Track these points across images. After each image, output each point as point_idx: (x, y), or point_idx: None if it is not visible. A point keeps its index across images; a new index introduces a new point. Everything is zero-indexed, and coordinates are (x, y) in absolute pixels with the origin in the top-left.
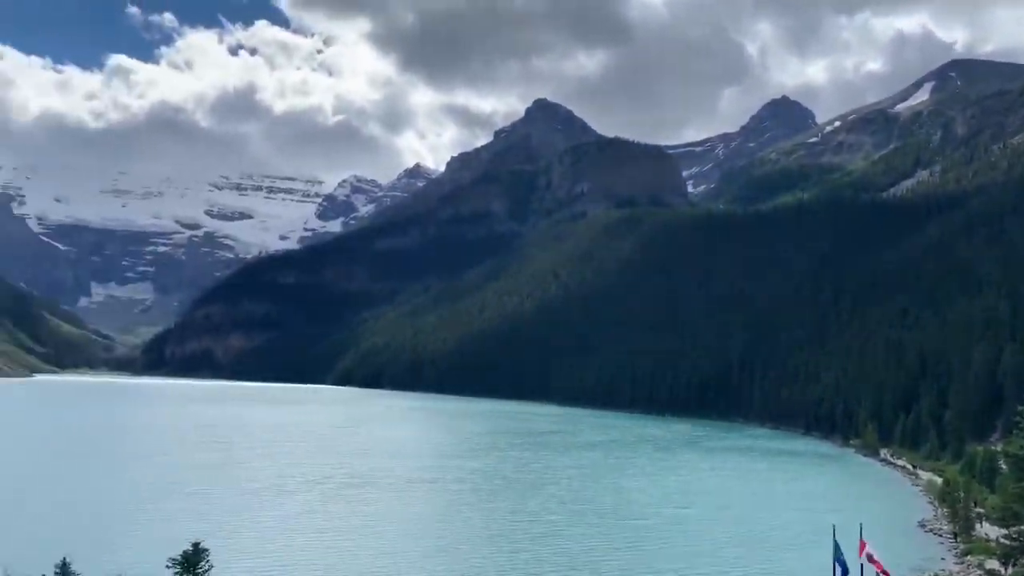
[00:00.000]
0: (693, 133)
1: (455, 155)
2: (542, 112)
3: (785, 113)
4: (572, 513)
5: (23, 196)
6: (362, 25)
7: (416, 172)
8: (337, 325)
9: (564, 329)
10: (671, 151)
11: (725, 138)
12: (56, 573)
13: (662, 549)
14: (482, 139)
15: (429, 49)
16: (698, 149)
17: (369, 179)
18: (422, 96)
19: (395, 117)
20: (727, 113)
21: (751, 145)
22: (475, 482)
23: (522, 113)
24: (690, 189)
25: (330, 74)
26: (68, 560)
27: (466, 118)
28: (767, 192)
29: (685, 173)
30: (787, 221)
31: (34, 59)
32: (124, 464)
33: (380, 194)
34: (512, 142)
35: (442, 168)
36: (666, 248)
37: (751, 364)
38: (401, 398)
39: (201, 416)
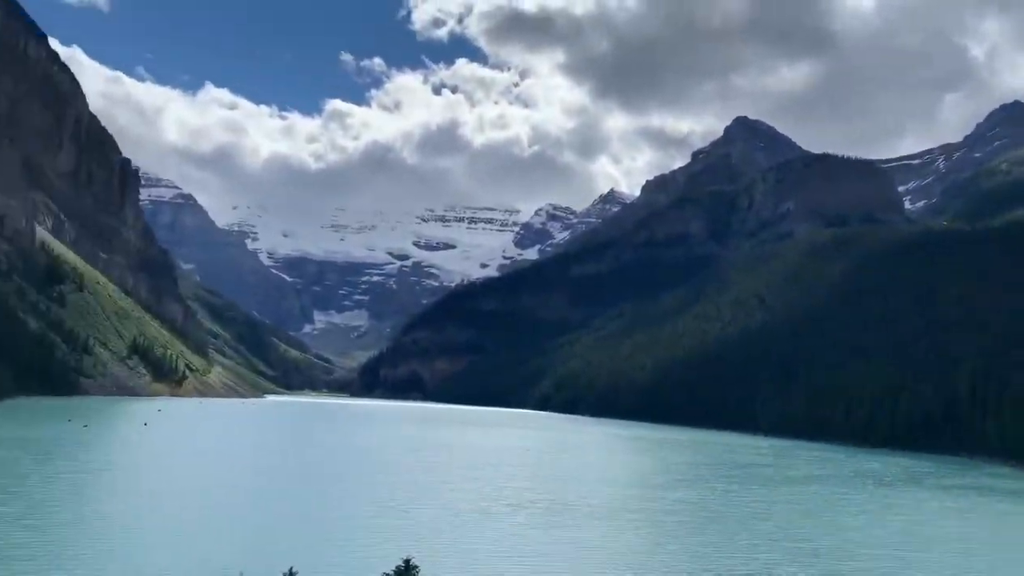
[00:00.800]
0: (909, 145)
1: (650, 178)
2: (742, 130)
3: (1018, 118)
4: (785, 552)
5: (256, 232)
6: (557, 56)
7: (611, 197)
8: (535, 350)
9: (769, 356)
10: (885, 165)
11: (946, 149)
12: None
13: None
14: (679, 161)
15: (623, 74)
16: (915, 162)
17: (564, 206)
18: (616, 121)
19: (589, 144)
20: (948, 122)
21: (977, 155)
22: (680, 514)
23: (720, 132)
24: (907, 205)
25: (526, 106)
26: (295, 570)
27: (661, 140)
28: (996, 206)
29: (901, 188)
30: (1021, 238)
31: (263, 107)
32: (344, 481)
33: (575, 221)
34: (710, 162)
35: (637, 192)
36: (881, 269)
37: (983, 395)
38: (599, 424)
39: (412, 437)
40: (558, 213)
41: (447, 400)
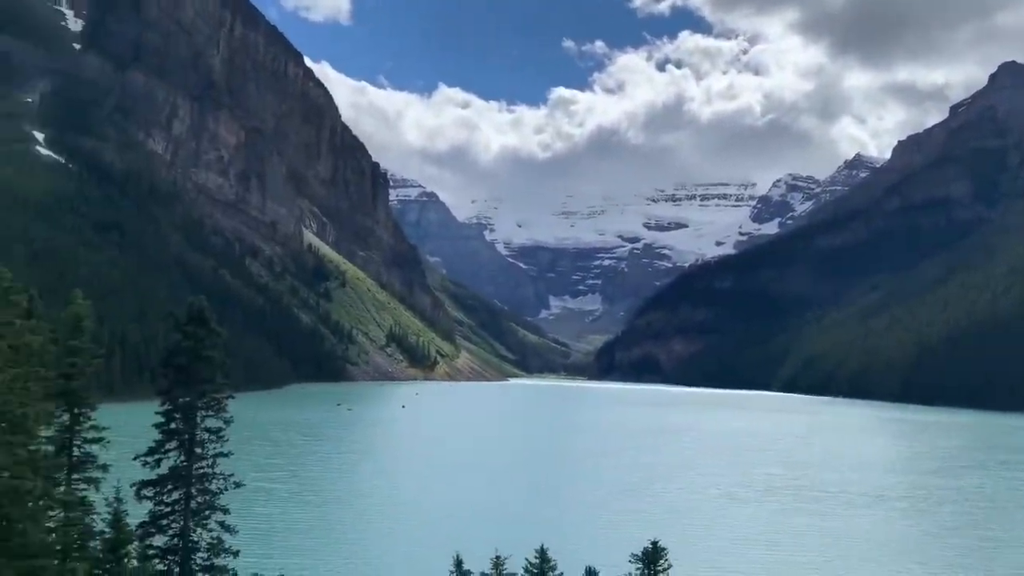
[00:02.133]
0: None
1: (902, 139)
2: (1012, 77)
3: None
4: None
5: (492, 224)
6: (789, 16)
7: (857, 162)
8: (777, 329)
9: None
10: None
11: None
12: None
13: None
14: (934, 117)
15: (864, 26)
16: None
17: (805, 176)
18: (858, 79)
19: (829, 106)
20: None
21: None
22: (956, 503)
23: (984, 81)
24: None
25: (756, 73)
26: (460, 557)
27: (912, 96)
28: None
29: None
30: None
31: (492, 103)
32: (590, 462)
33: (818, 190)
34: (973, 116)
35: (887, 155)
36: None
37: None
38: (853, 407)
39: (653, 419)
40: (799, 183)
41: (685, 382)
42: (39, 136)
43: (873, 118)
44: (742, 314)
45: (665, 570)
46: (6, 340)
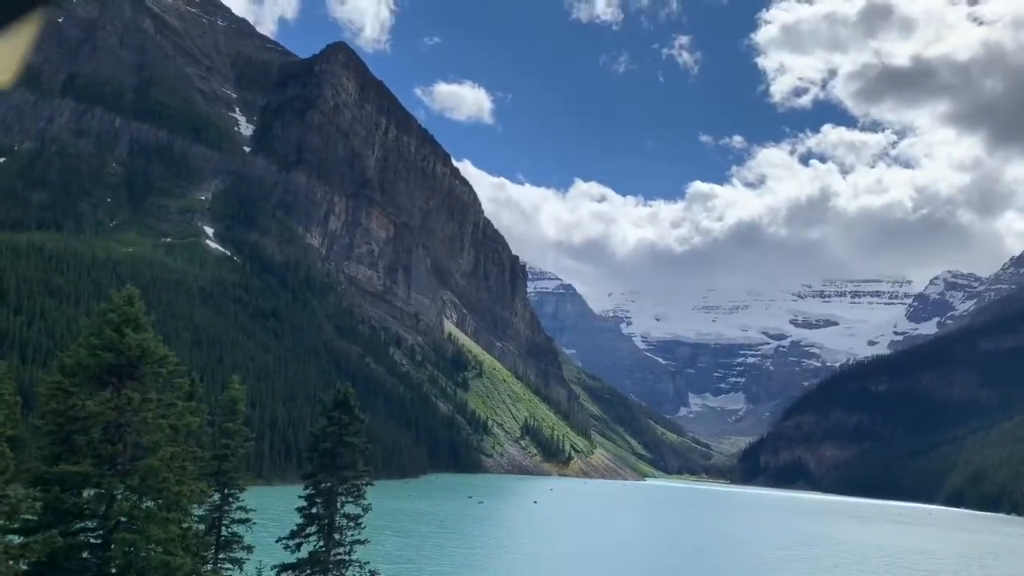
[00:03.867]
0: None
1: None
2: None
3: None
4: None
5: (629, 317)
6: (940, 107)
7: None
8: (940, 437)
9: None
10: None
11: None
12: None
13: None
14: None
15: None
16: None
17: (966, 273)
18: (1021, 170)
19: (990, 200)
20: None
21: None
22: None
23: None
24: None
25: (907, 167)
26: None
27: None
28: None
29: None
30: None
31: (629, 198)
32: (728, 570)
33: (981, 288)
34: None
35: None
36: None
37: None
38: None
39: (806, 531)
40: (959, 281)
41: (836, 491)
42: (209, 231)
43: None
44: (900, 420)
45: None
46: (167, 420)
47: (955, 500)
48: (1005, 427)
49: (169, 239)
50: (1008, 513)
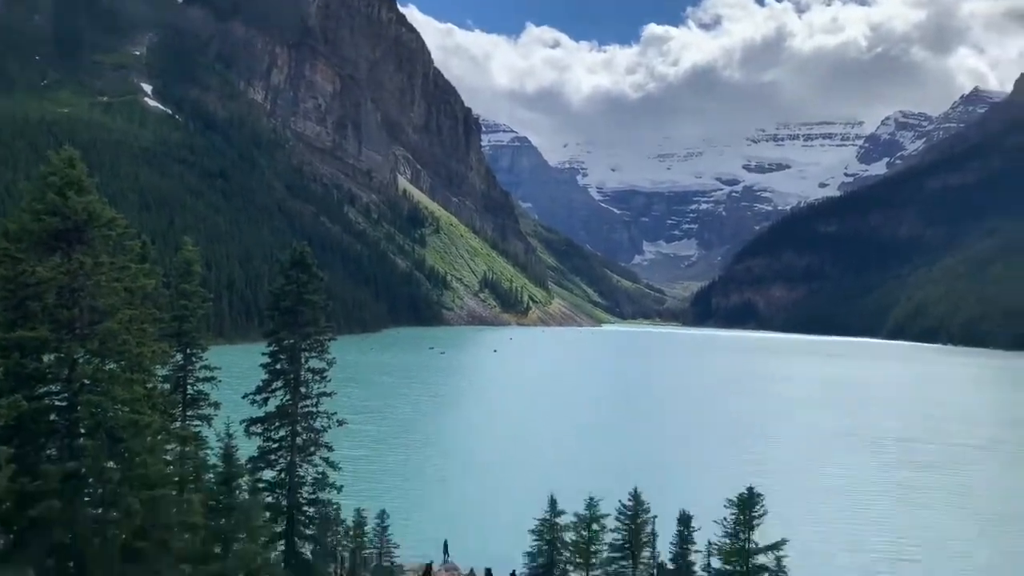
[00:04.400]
0: None
1: None
2: None
3: None
4: None
5: (585, 168)
6: None
7: (975, 97)
8: (884, 275)
9: None
10: None
11: None
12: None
13: None
14: None
15: None
16: None
17: (916, 112)
18: (977, 5)
19: (944, 36)
20: None
21: None
22: None
23: None
24: None
25: (862, 3)
26: (554, 497)
27: None
28: None
29: None
30: None
31: (583, 43)
32: (688, 408)
33: (931, 127)
34: None
35: (1008, 88)
36: None
37: None
38: (966, 355)
39: (753, 367)
40: (910, 120)
41: (784, 329)
42: (147, 88)
43: (994, 48)
44: (848, 260)
45: (760, 516)
46: (122, 283)
47: (897, 334)
48: (947, 263)
49: (106, 97)
50: (945, 343)
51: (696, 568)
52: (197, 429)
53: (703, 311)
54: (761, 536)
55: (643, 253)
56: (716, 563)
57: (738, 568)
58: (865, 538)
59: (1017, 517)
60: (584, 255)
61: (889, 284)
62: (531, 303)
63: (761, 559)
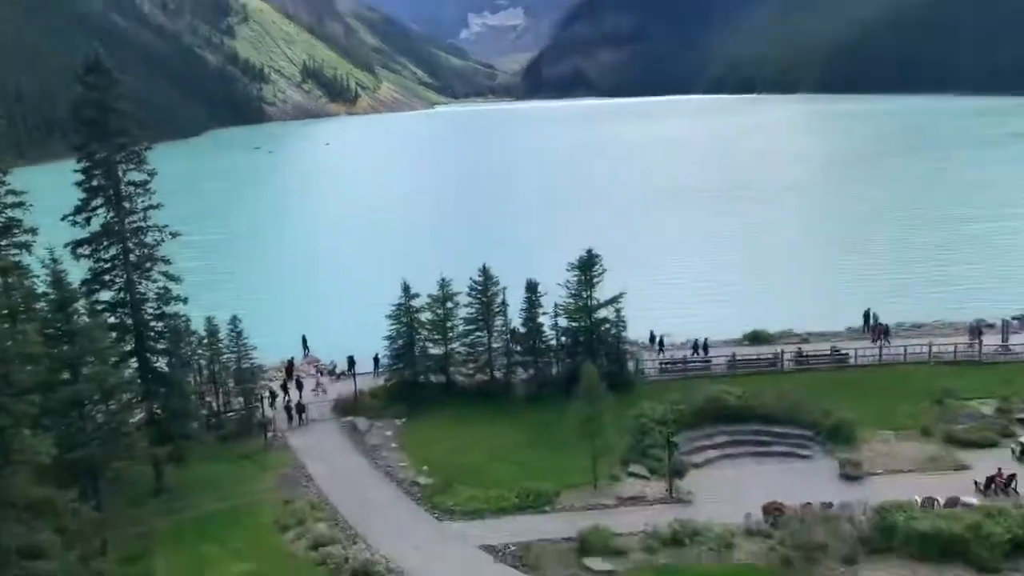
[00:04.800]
0: None
1: None
2: None
3: None
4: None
5: None
6: None
7: None
8: (705, 32)
9: (971, 13)
10: None
11: None
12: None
13: None
14: None
15: None
16: None
17: None
18: None
19: None
20: None
21: None
22: (873, 184)
23: None
24: None
25: None
26: (407, 283)
27: None
28: None
29: None
30: None
31: None
32: (527, 181)
33: None
34: None
35: None
36: None
37: None
38: (780, 102)
39: (582, 135)
40: None
41: (615, 94)
42: None
43: None
44: (670, 19)
45: (599, 275)
46: None
47: (716, 87)
48: (759, 16)
49: None
50: (759, 93)
51: (545, 328)
52: (16, 258)
53: (534, 83)
54: (601, 292)
55: (469, 27)
56: (563, 322)
57: (582, 324)
58: (692, 281)
59: (815, 245)
60: (408, 34)
61: (708, 41)
62: (359, 90)
63: (602, 313)
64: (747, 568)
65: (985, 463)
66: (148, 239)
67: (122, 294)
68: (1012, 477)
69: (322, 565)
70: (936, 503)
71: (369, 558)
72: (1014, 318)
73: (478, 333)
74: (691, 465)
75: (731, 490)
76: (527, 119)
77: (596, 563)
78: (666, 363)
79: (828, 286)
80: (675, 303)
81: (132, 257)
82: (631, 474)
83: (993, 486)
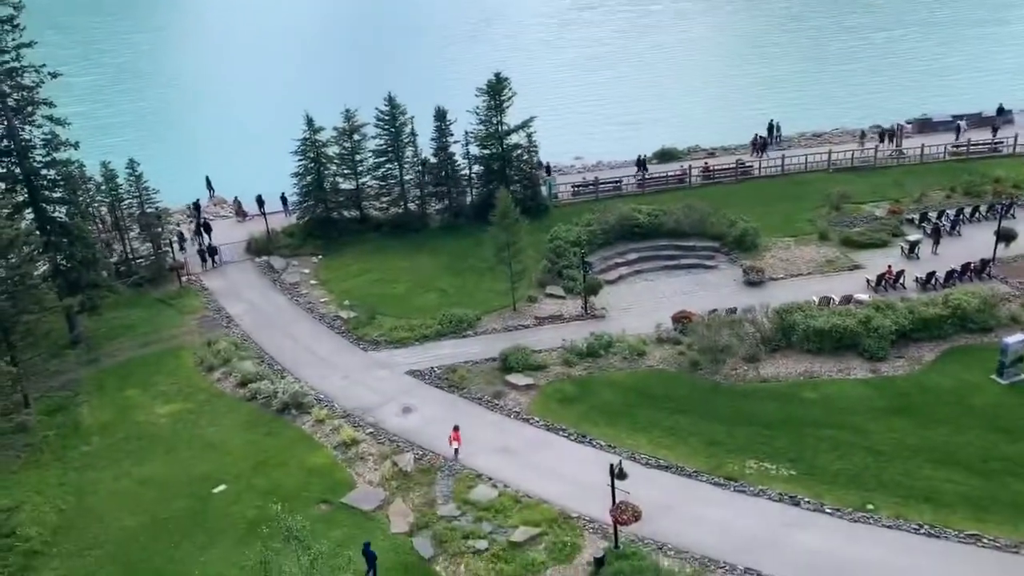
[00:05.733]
0: None
1: None
2: None
3: None
4: None
5: None
6: None
7: None
8: None
9: None
10: None
11: None
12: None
13: None
14: None
15: None
16: None
17: None
18: None
19: None
20: None
21: None
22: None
23: None
24: None
25: None
26: (310, 115)
27: None
28: None
29: None
30: None
31: None
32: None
33: None
34: None
35: None
36: None
37: None
38: None
39: None
40: None
41: None
42: None
43: None
44: None
45: (509, 99)
46: None
47: None
48: None
49: None
50: None
51: (457, 156)
52: None
53: None
54: (512, 117)
55: None
56: (475, 150)
57: (495, 151)
58: (600, 103)
59: (723, 60)
60: None
61: None
62: None
63: (514, 138)
64: (658, 372)
65: (877, 262)
66: (25, 80)
67: (5, 142)
68: (901, 273)
69: (252, 400)
70: (832, 301)
71: (299, 390)
72: (907, 122)
73: (388, 165)
74: (605, 282)
75: (643, 303)
76: None
77: (518, 378)
78: (578, 185)
79: (735, 100)
80: (587, 125)
81: (10, 102)
82: (548, 295)
83: (883, 283)
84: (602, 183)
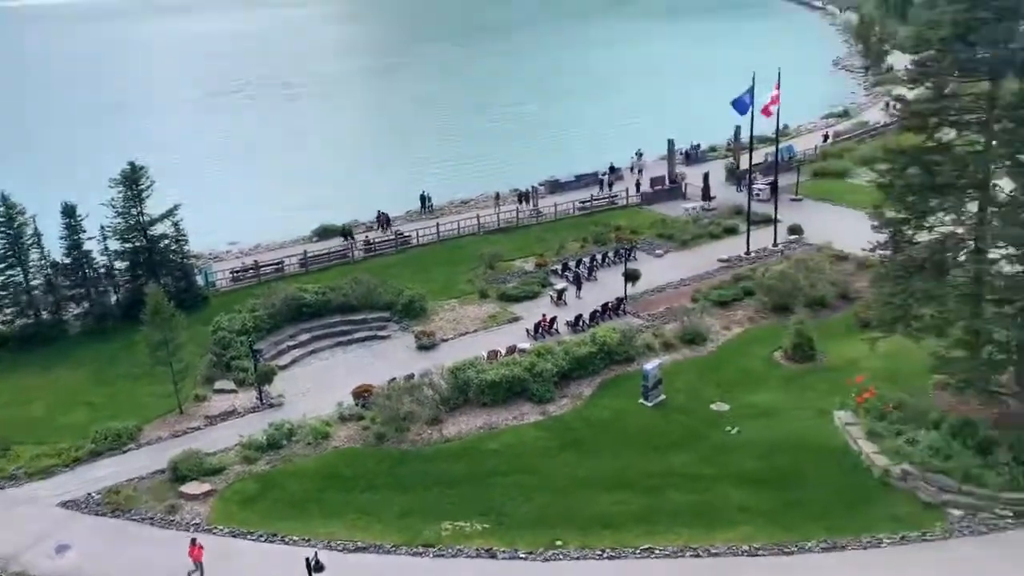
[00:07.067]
0: None
1: None
2: None
3: None
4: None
5: None
6: None
7: None
8: None
9: None
10: None
11: None
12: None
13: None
14: None
15: None
16: None
17: None
18: None
19: None
20: None
21: None
22: (402, 80)
23: None
24: None
25: None
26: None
27: None
28: None
29: None
30: None
31: None
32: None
33: None
34: None
35: None
36: None
37: None
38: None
39: (106, 36)
40: None
41: None
42: None
43: None
44: None
45: (148, 188)
46: None
47: None
48: None
49: None
50: None
51: (95, 253)
52: None
53: None
54: (154, 207)
55: None
56: (114, 244)
57: (139, 243)
58: (250, 186)
59: (369, 135)
60: None
61: None
62: None
63: (159, 228)
64: (344, 451)
65: (533, 311)
66: None
67: None
68: (554, 320)
69: None
70: (499, 353)
71: None
72: (540, 184)
73: (10, 272)
74: (278, 368)
75: (321, 383)
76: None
77: (193, 487)
78: (237, 271)
79: (388, 174)
80: (238, 210)
81: None
82: (217, 390)
83: (540, 330)
84: (263, 265)
